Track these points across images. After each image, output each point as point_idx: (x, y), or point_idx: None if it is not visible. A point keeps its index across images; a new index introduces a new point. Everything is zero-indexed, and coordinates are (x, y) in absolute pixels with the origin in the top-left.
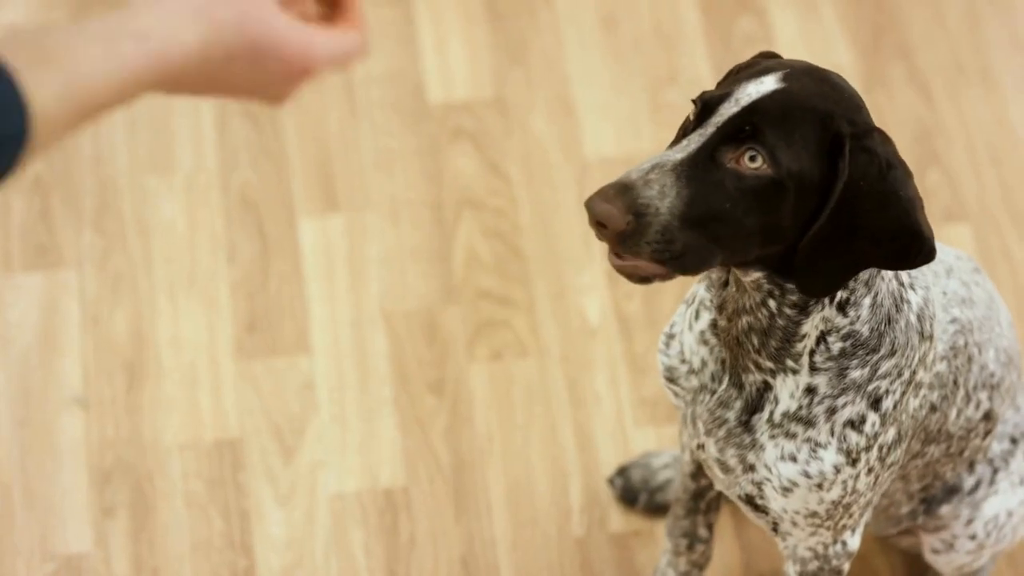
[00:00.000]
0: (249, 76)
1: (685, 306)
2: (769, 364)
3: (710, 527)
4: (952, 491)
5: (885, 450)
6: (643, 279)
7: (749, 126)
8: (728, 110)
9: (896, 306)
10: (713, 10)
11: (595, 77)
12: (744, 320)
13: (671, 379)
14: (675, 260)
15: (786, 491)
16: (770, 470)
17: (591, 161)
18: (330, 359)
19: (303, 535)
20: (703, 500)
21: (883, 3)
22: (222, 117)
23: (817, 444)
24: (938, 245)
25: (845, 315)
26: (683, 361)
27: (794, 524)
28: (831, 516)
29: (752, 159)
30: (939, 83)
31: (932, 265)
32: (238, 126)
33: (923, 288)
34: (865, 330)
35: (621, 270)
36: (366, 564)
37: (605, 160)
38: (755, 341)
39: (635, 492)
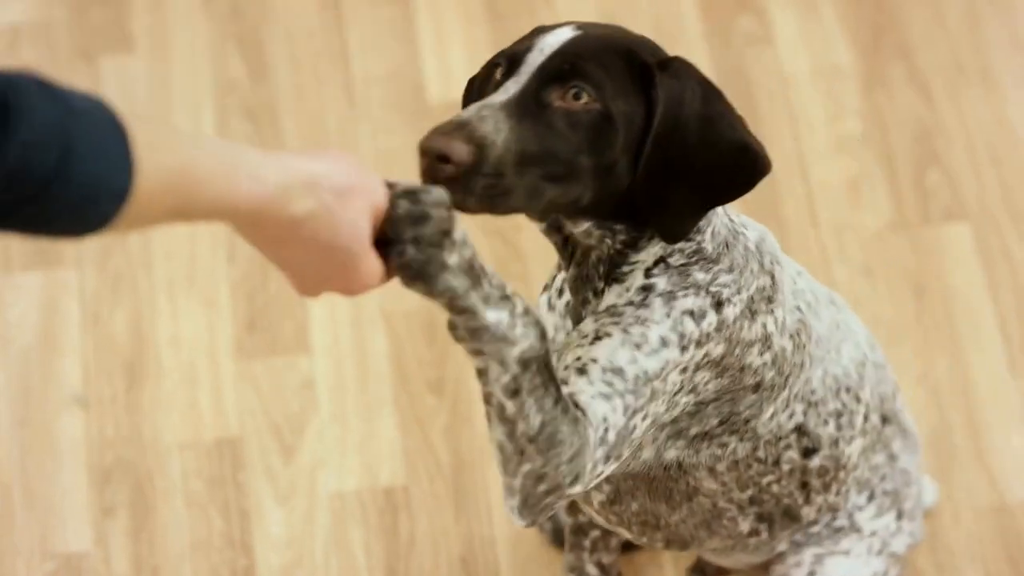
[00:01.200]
0: (312, 264)
1: (543, 294)
2: (600, 284)
3: (601, 566)
4: (789, 514)
5: (705, 361)
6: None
7: (568, 64)
8: (536, 58)
9: (732, 234)
10: (713, 9)
11: None
12: (593, 255)
13: (552, 308)
14: (502, 197)
15: (594, 340)
16: (583, 334)
17: None
18: (330, 358)
19: (303, 534)
20: (586, 537)
21: (883, 3)
22: (222, 116)
23: (647, 319)
24: (805, 273)
25: (689, 239)
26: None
27: (582, 372)
28: (635, 392)
29: (577, 96)
30: (939, 83)
31: (784, 258)
32: (238, 125)
33: (757, 231)
34: (709, 248)
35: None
36: (366, 563)
37: None
38: (601, 270)
39: (563, 534)
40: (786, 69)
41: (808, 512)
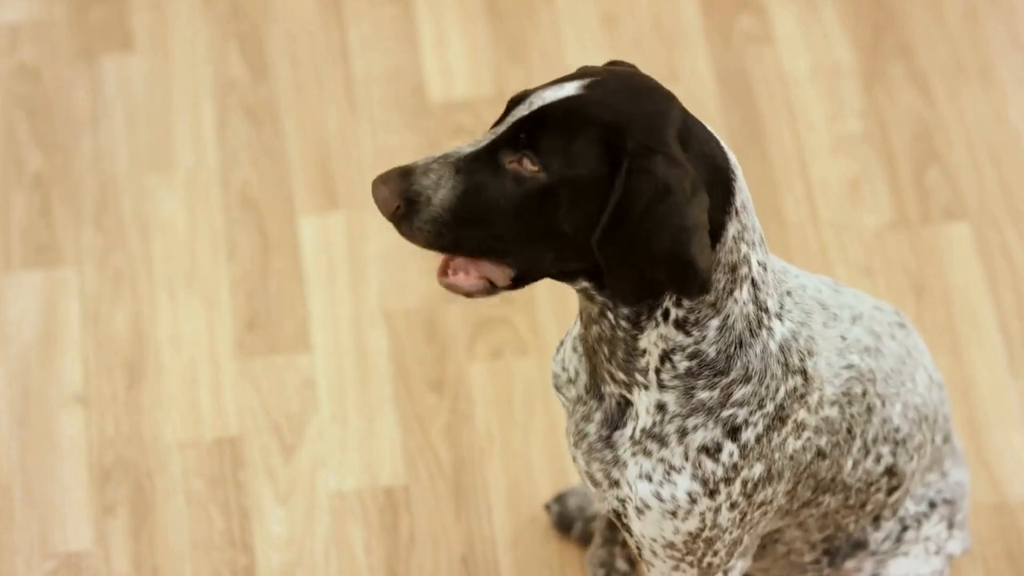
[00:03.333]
0: None
1: (571, 340)
2: (622, 376)
3: (631, 562)
4: (858, 545)
5: (751, 486)
6: (467, 294)
7: (525, 134)
8: (519, 112)
9: (751, 331)
10: (713, 8)
11: None
12: (594, 329)
13: (557, 387)
14: (453, 247)
15: (639, 512)
16: (631, 487)
17: None
18: (330, 357)
19: (303, 533)
20: (620, 532)
21: (883, 2)
22: (223, 116)
23: (671, 467)
24: (859, 294)
25: (688, 334)
26: (564, 369)
27: (653, 553)
28: (691, 550)
29: (531, 162)
30: (939, 81)
31: (835, 309)
32: (238, 124)
33: (796, 322)
34: (712, 351)
35: (447, 287)
36: (366, 562)
37: None
38: (605, 351)
39: (570, 519)
40: (786, 68)
41: (877, 537)
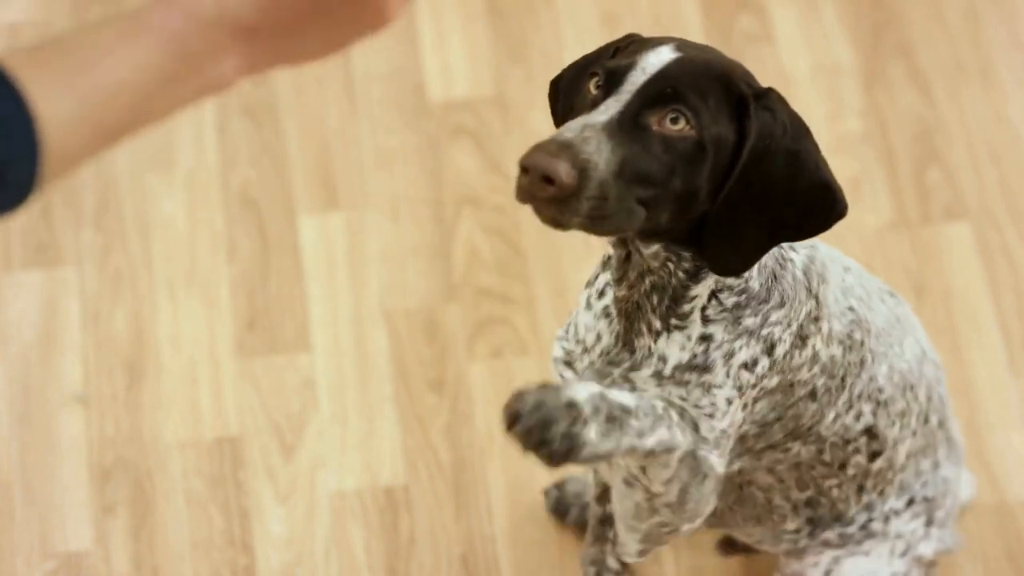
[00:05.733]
0: (291, 18)
1: (586, 289)
2: (658, 324)
3: (622, 561)
4: (839, 518)
5: (762, 393)
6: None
7: (670, 89)
8: (638, 78)
9: (780, 264)
10: (713, 8)
11: None
12: (648, 281)
13: (569, 362)
14: (603, 220)
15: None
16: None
17: None
18: (330, 357)
19: (303, 533)
20: (612, 529)
21: (883, 1)
22: (222, 115)
23: (712, 385)
24: (855, 268)
25: (738, 276)
26: (578, 342)
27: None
28: (720, 445)
29: (674, 121)
30: (939, 81)
31: (832, 255)
32: (238, 124)
33: (806, 248)
34: (756, 285)
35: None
36: (366, 562)
37: None
38: (655, 300)
39: (567, 505)
40: (786, 68)
41: (854, 512)
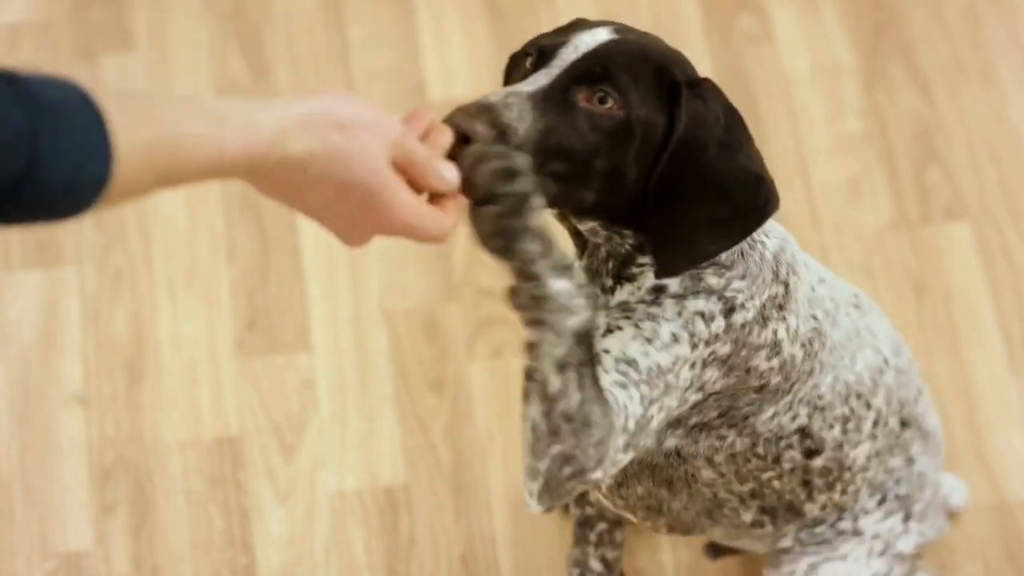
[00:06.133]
0: (335, 207)
1: None
2: (610, 282)
3: (605, 562)
4: (792, 509)
5: (711, 358)
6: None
7: (600, 68)
8: (570, 55)
9: (750, 242)
10: (713, 8)
11: None
12: (603, 250)
13: None
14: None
15: (608, 332)
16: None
17: None
18: (330, 357)
19: (303, 533)
20: (592, 531)
21: (883, 1)
22: None
23: (657, 316)
24: (829, 279)
25: (679, 275)
26: None
27: (604, 371)
28: (649, 382)
29: (602, 100)
30: (939, 81)
31: (809, 262)
32: None
33: (779, 239)
34: (723, 255)
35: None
36: (366, 562)
37: None
38: (609, 264)
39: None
40: (786, 68)
41: (811, 508)
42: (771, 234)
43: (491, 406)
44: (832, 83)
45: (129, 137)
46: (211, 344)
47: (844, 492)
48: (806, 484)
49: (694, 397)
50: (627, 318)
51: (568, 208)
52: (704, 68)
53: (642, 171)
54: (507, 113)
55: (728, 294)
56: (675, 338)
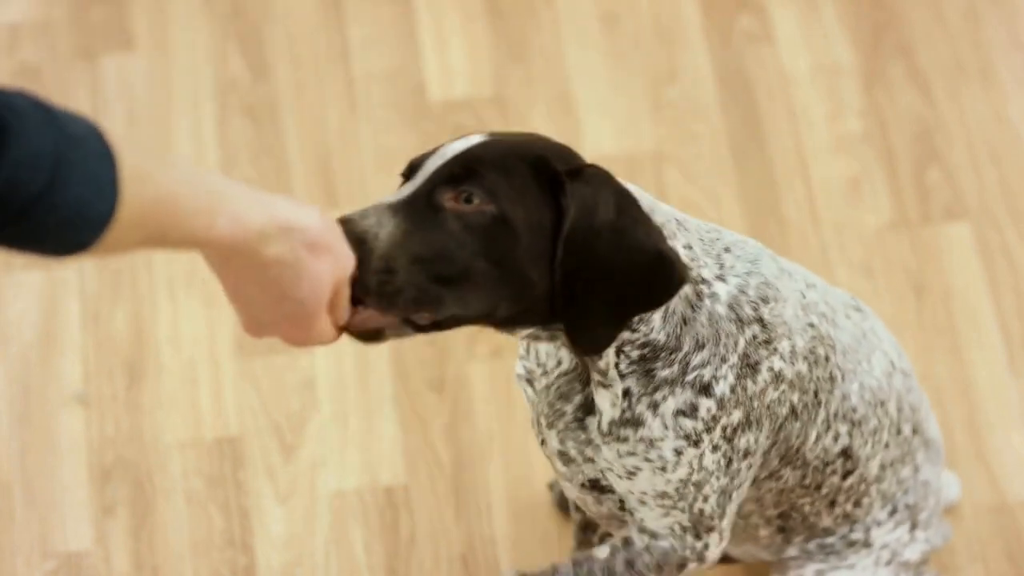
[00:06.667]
0: (263, 303)
1: (522, 367)
2: (580, 386)
3: None
4: (805, 521)
5: (731, 431)
6: (374, 333)
7: (461, 168)
8: (435, 163)
9: (692, 307)
10: (713, 8)
11: (595, 75)
12: (568, 356)
13: (530, 380)
14: (397, 295)
15: (630, 475)
16: (610, 463)
17: (591, 159)
18: (330, 357)
19: (303, 533)
20: (594, 534)
21: (883, 1)
22: (223, 115)
23: (652, 439)
24: (819, 284)
25: (635, 331)
26: (539, 364)
27: (642, 503)
28: (683, 496)
29: (468, 199)
30: (939, 81)
31: (787, 266)
32: (238, 124)
33: (742, 275)
34: (661, 337)
35: (350, 327)
36: (366, 562)
37: (605, 158)
38: (579, 370)
39: (569, 500)
40: (786, 68)
41: (826, 521)
42: (728, 276)
43: (491, 406)
44: (832, 83)
45: (136, 188)
46: (211, 344)
47: (858, 504)
48: (832, 504)
49: (745, 463)
50: (633, 455)
51: (493, 322)
52: (704, 68)
53: (543, 268)
54: (363, 223)
55: (690, 377)
56: (678, 452)
